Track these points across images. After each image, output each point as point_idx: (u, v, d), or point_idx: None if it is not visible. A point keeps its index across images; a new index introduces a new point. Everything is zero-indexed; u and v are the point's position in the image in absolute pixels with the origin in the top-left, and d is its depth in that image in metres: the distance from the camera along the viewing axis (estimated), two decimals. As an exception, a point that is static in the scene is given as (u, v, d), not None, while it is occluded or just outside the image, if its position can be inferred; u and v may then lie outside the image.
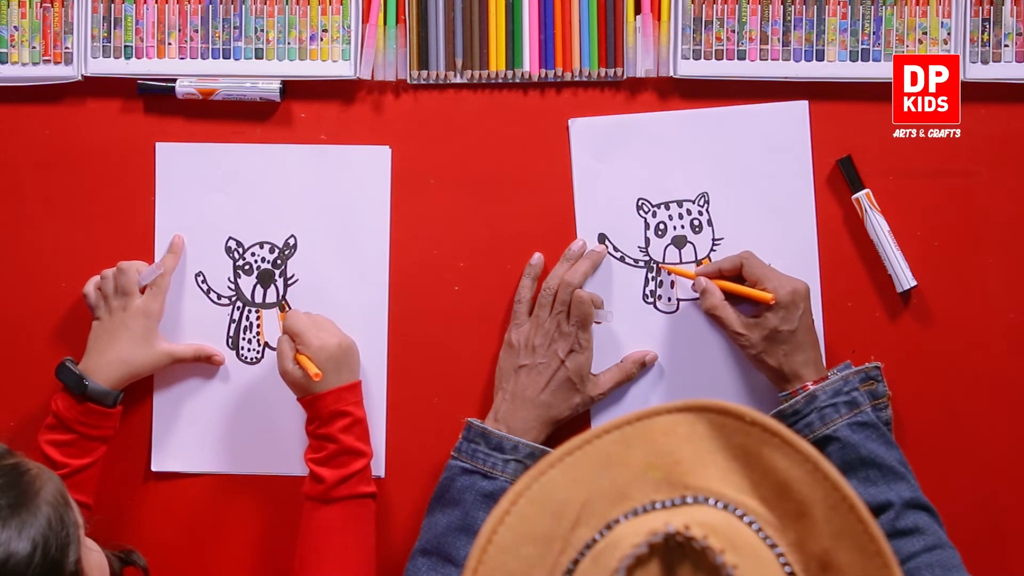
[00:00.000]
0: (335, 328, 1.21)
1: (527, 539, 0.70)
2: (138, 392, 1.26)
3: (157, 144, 1.27)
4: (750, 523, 0.69)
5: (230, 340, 1.27)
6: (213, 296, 1.28)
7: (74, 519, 0.98)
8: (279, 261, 1.27)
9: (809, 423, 1.14)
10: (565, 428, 1.21)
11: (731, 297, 1.20)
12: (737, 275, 1.21)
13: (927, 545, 1.10)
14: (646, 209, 1.26)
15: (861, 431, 1.13)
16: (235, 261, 1.28)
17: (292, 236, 1.27)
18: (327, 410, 1.16)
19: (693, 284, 1.22)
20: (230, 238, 1.28)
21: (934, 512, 1.13)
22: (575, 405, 1.21)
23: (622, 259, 1.26)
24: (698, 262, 1.25)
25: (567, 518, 0.71)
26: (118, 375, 1.21)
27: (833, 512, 0.68)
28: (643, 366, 1.25)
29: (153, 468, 1.27)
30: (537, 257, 1.25)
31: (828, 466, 0.69)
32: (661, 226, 1.26)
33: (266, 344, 1.27)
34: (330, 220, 1.27)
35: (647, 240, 1.26)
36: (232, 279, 1.28)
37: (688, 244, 1.26)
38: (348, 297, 1.26)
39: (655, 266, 1.25)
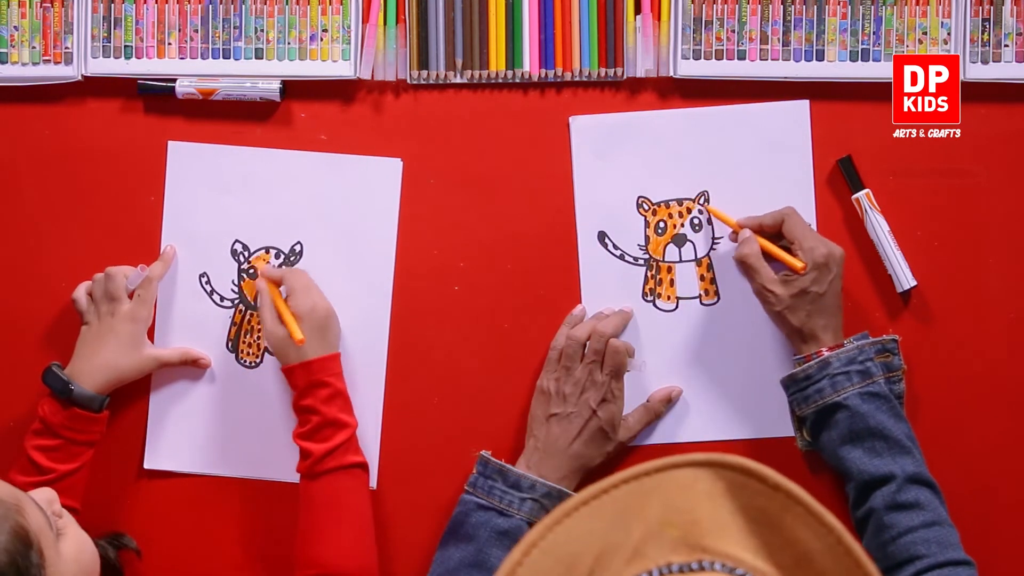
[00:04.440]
0: (321, 294, 1.22)
1: None
2: (134, 391, 1.26)
3: (169, 143, 1.27)
4: None
5: (230, 343, 1.27)
6: (216, 298, 1.28)
7: (36, 559, 0.93)
8: (284, 267, 1.27)
9: (820, 388, 1.15)
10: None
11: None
12: (777, 231, 1.21)
13: (926, 521, 1.10)
14: (646, 207, 1.26)
15: (871, 401, 1.13)
16: (240, 264, 1.28)
17: (298, 243, 1.27)
18: (308, 380, 1.17)
19: (731, 233, 1.23)
20: (236, 241, 1.28)
21: (937, 489, 1.13)
22: (607, 453, 1.21)
23: (622, 257, 1.26)
24: (698, 261, 1.25)
25: (580, 572, 0.68)
26: (104, 380, 1.20)
27: None
28: (669, 402, 1.25)
29: (146, 466, 1.27)
30: (580, 308, 1.25)
31: (852, 541, 0.66)
32: (661, 224, 1.26)
33: (265, 349, 1.27)
34: (337, 229, 1.26)
35: (647, 238, 1.26)
36: (236, 282, 1.28)
37: (688, 243, 1.26)
38: (350, 306, 1.25)
39: (656, 264, 1.25)
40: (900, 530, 1.09)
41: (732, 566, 0.67)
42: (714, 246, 1.26)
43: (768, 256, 1.20)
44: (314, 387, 1.17)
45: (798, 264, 1.16)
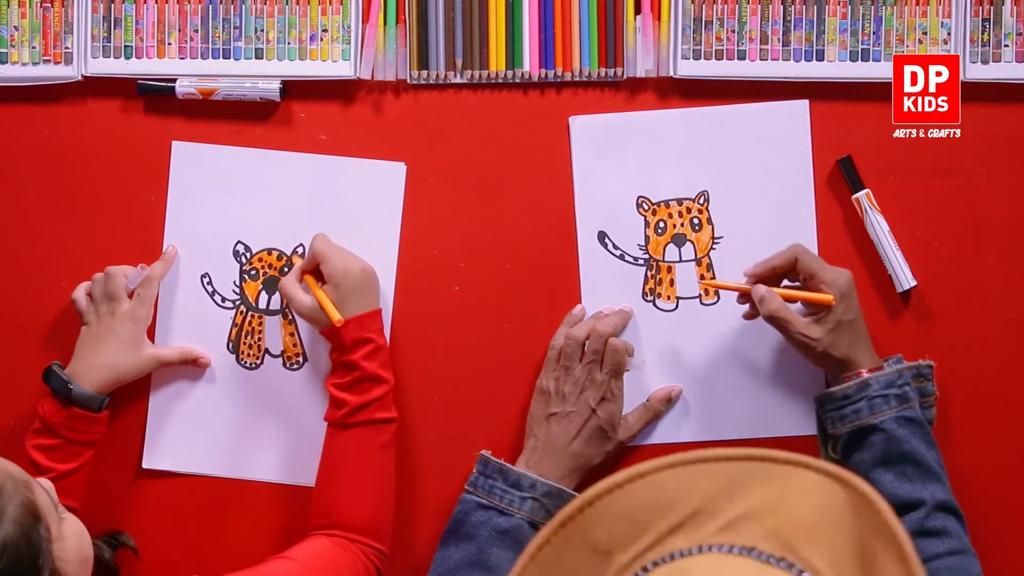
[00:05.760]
0: (354, 255, 1.21)
1: (624, 519, 0.69)
2: (134, 391, 1.26)
3: (173, 143, 1.27)
4: None
5: (231, 344, 1.27)
6: (217, 298, 1.28)
7: (44, 532, 0.95)
8: (285, 269, 1.27)
9: (857, 409, 1.15)
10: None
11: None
12: (788, 269, 1.18)
13: (951, 549, 1.10)
14: (646, 207, 1.26)
15: (907, 426, 1.14)
16: (242, 265, 1.28)
17: (301, 245, 1.27)
18: (350, 338, 1.16)
19: (744, 296, 1.19)
20: (239, 242, 1.28)
21: (962, 517, 1.14)
22: (606, 452, 1.20)
23: (622, 257, 1.26)
24: (698, 261, 1.25)
25: (671, 517, 0.69)
26: (104, 380, 1.20)
27: None
28: (669, 402, 1.25)
29: (144, 465, 1.27)
30: (579, 308, 1.25)
31: None
32: (661, 224, 1.26)
33: (266, 351, 1.27)
34: (340, 232, 1.26)
35: (647, 238, 1.26)
36: (237, 283, 1.28)
37: (688, 242, 1.26)
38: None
39: (655, 264, 1.25)
40: (926, 556, 1.10)
41: (811, 575, 0.67)
42: (714, 246, 1.26)
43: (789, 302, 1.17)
44: (357, 344, 1.17)
45: (828, 298, 1.15)
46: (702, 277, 1.25)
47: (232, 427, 1.27)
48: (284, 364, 1.27)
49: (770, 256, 1.19)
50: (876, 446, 1.14)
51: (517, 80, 1.27)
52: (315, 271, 1.21)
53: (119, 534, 1.23)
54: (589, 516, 0.70)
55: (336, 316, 1.16)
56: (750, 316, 1.19)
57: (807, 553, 0.68)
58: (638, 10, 1.26)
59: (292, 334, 1.26)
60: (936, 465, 1.14)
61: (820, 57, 1.26)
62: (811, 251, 1.20)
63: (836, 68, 1.25)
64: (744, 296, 1.19)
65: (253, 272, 1.27)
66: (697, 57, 1.25)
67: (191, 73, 1.26)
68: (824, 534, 0.69)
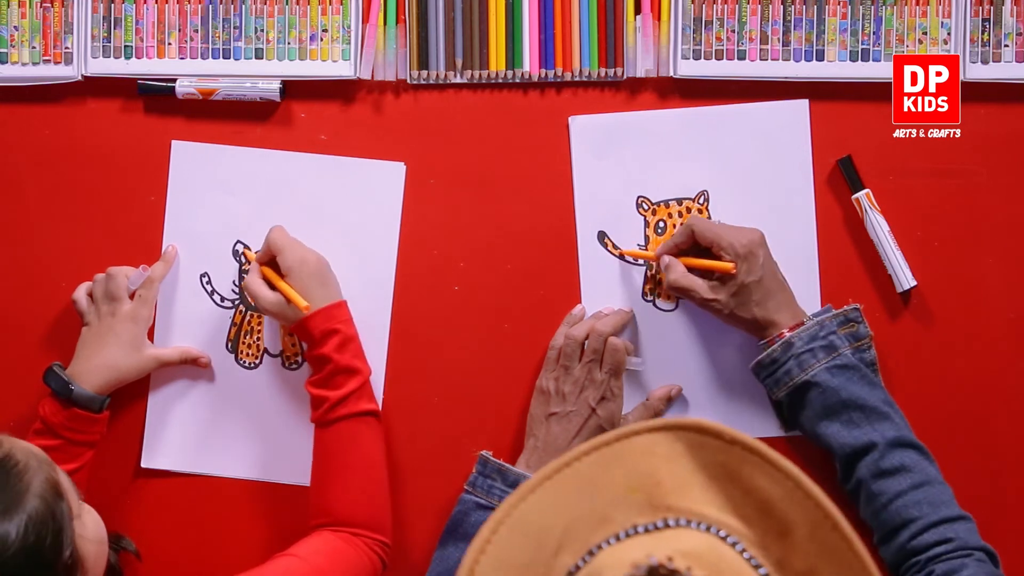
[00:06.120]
0: (307, 247, 1.21)
1: (509, 568, 0.69)
2: (133, 390, 1.26)
3: (173, 142, 1.27)
4: (733, 544, 0.68)
5: (230, 343, 1.27)
6: (216, 298, 1.28)
7: (66, 509, 0.98)
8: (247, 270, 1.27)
9: (788, 370, 1.15)
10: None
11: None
12: (692, 244, 1.20)
13: (914, 483, 1.10)
14: (646, 207, 1.26)
15: (841, 374, 1.14)
16: (241, 265, 1.28)
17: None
18: (318, 329, 1.17)
19: (657, 264, 1.22)
20: (238, 241, 1.28)
21: (923, 450, 1.13)
22: None
23: (621, 257, 1.26)
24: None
25: (549, 545, 0.70)
26: (105, 380, 1.20)
27: (817, 530, 0.67)
28: (669, 401, 1.25)
29: (143, 464, 1.27)
30: (579, 308, 1.25)
31: (810, 483, 0.68)
32: (661, 224, 1.26)
33: (265, 350, 1.27)
34: (340, 231, 1.26)
35: (647, 238, 1.26)
36: (237, 282, 1.28)
37: (688, 242, 1.26)
38: (352, 307, 1.25)
39: (654, 263, 1.26)
40: (889, 496, 1.10)
41: (697, 521, 0.68)
42: (714, 246, 1.26)
43: (701, 271, 1.19)
44: (325, 336, 1.17)
45: (727, 265, 1.16)
46: (621, 255, 1.25)
47: (231, 426, 1.27)
48: (283, 364, 1.27)
49: (671, 236, 1.22)
50: (815, 400, 1.14)
51: (517, 80, 1.27)
52: (272, 264, 1.21)
53: (120, 538, 1.22)
54: None
55: (302, 303, 1.16)
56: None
57: (681, 503, 0.69)
58: (638, 10, 1.26)
59: (291, 334, 1.26)
60: (882, 404, 1.14)
61: (820, 57, 1.26)
62: (709, 221, 1.21)
63: (836, 68, 1.25)
64: (661, 263, 1.22)
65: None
66: (697, 57, 1.26)
67: (191, 73, 1.26)
68: (684, 480, 0.70)
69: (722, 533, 0.68)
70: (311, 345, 1.18)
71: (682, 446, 0.70)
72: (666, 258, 1.21)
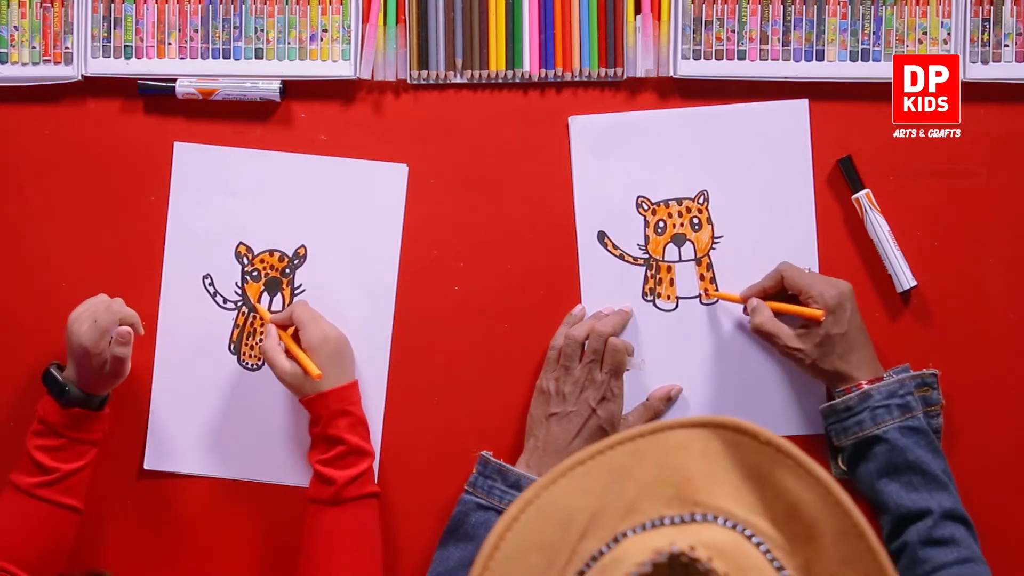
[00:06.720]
0: (330, 323, 1.21)
1: (534, 548, 0.70)
2: (135, 391, 1.26)
3: (175, 144, 1.27)
4: (758, 544, 0.69)
5: (232, 345, 1.27)
6: (219, 300, 1.27)
7: None
8: (287, 270, 1.27)
9: (860, 421, 1.15)
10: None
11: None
12: (780, 288, 1.21)
13: (960, 557, 1.10)
14: (646, 207, 1.26)
15: (911, 436, 1.14)
16: (243, 266, 1.28)
17: (303, 246, 1.27)
18: (329, 409, 1.16)
19: (745, 307, 1.22)
20: (240, 243, 1.28)
21: (971, 526, 1.14)
22: None
23: (621, 257, 1.26)
24: (698, 261, 1.25)
25: (575, 528, 0.70)
26: (78, 365, 1.17)
27: (843, 538, 0.68)
28: (669, 401, 1.25)
29: (146, 467, 1.27)
30: (579, 308, 1.25)
31: (840, 491, 0.68)
32: (661, 224, 1.26)
33: (267, 352, 1.27)
34: (342, 232, 1.26)
35: (647, 238, 1.26)
36: (239, 284, 1.28)
37: (688, 242, 1.26)
38: (354, 308, 1.25)
39: (655, 264, 1.25)
40: (934, 565, 1.10)
41: (724, 518, 0.69)
42: (714, 245, 1.26)
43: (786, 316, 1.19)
44: (336, 416, 1.16)
45: (817, 312, 1.16)
46: (706, 291, 1.25)
47: (234, 428, 1.27)
48: (284, 364, 1.27)
49: (761, 279, 1.22)
50: (880, 456, 1.14)
51: (517, 80, 1.27)
52: (292, 334, 1.21)
53: (102, 573, 1.20)
54: (501, 561, 0.70)
55: (315, 371, 1.15)
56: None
57: (710, 500, 0.70)
58: (638, 10, 1.26)
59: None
60: (942, 474, 1.14)
61: (820, 57, 1.26)
62: (800, 268, 1.21)
63: (836, 68, 1.25)
64: (748, 306, 1.22)
65: (255, 273, 1.27)
66: (697, 57, 1.26)
67: (191, 73, 1.26)
68: (716, 477, 0.70)
69: (748, 532, 0.69)
70: (320, 422, 1.17)
71: (718, 444, 0.71)
72: (754, 300, 1.21)
